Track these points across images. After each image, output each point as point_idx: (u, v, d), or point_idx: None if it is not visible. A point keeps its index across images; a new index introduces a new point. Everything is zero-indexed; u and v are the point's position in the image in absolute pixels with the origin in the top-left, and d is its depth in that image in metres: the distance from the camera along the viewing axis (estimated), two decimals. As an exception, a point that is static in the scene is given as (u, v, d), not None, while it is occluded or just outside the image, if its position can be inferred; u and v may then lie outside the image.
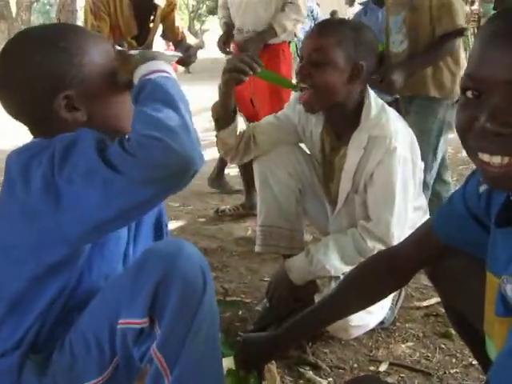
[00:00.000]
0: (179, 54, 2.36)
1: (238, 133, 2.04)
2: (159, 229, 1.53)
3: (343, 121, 1.96)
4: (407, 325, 2.05)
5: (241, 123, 2.08)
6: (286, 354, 1.74)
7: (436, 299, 2.22)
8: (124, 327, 1.13)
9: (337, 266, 1.91)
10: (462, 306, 1.34)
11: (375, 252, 1.86)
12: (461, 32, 2.61)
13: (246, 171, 2.98)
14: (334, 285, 1.88)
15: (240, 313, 2.13)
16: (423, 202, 2.13)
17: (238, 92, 2.19)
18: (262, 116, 2.48)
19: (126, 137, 1.06)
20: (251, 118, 3.00)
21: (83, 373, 1.18)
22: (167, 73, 1.17)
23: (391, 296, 1.95)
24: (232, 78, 1.88)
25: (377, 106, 1.90)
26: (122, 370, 1.19)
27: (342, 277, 1.90)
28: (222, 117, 2.01)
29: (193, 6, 24.20)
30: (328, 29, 1.89)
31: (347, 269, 1.90)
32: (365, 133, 1.87)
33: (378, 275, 1.43)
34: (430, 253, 1.33)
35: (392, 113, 1.94)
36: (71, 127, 1.16)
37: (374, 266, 1.48)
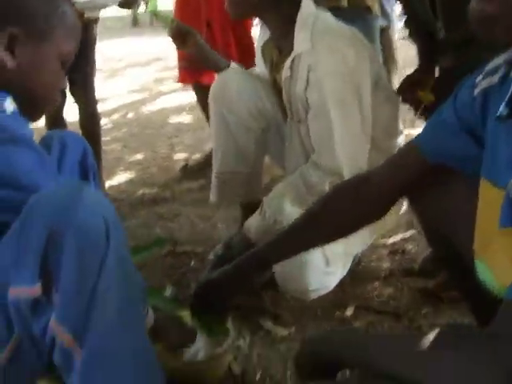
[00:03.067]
0: None
1: None
2: (85, 174, 1.40)
3: (277, 33, 1.80)
4: (372, 264, 1.93)
5: None
6: (244, 289, 1.50)
7: (402, 235, 2.11)
8: (15, 296, 0.92)
9: (288, 212, 1.66)
10: (446, 227, 1.17)
11: (326, 186, 1.66)
12: None
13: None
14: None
15: (192, 264, 1.96)
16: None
17: (191, 11, 2.37)
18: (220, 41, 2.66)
19: None
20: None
21: None
22: None
23: (355, 250, 1.78)
24: None
25: (309, 16, 1.71)
26: (27, 349, 0.98)
27: None
28: None
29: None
30: None
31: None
32: (293, 52, 1.71)
33: (345, 205, 1.23)
34: (408, 176, 1.16)
35: (331, 22, 1.73)
36: None
37: (339, 194, 1.27)
